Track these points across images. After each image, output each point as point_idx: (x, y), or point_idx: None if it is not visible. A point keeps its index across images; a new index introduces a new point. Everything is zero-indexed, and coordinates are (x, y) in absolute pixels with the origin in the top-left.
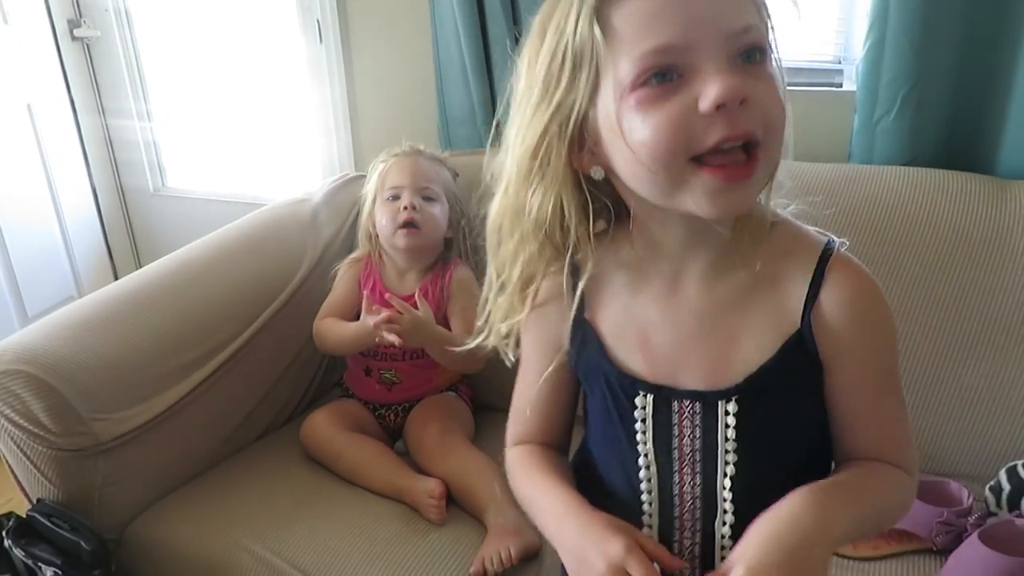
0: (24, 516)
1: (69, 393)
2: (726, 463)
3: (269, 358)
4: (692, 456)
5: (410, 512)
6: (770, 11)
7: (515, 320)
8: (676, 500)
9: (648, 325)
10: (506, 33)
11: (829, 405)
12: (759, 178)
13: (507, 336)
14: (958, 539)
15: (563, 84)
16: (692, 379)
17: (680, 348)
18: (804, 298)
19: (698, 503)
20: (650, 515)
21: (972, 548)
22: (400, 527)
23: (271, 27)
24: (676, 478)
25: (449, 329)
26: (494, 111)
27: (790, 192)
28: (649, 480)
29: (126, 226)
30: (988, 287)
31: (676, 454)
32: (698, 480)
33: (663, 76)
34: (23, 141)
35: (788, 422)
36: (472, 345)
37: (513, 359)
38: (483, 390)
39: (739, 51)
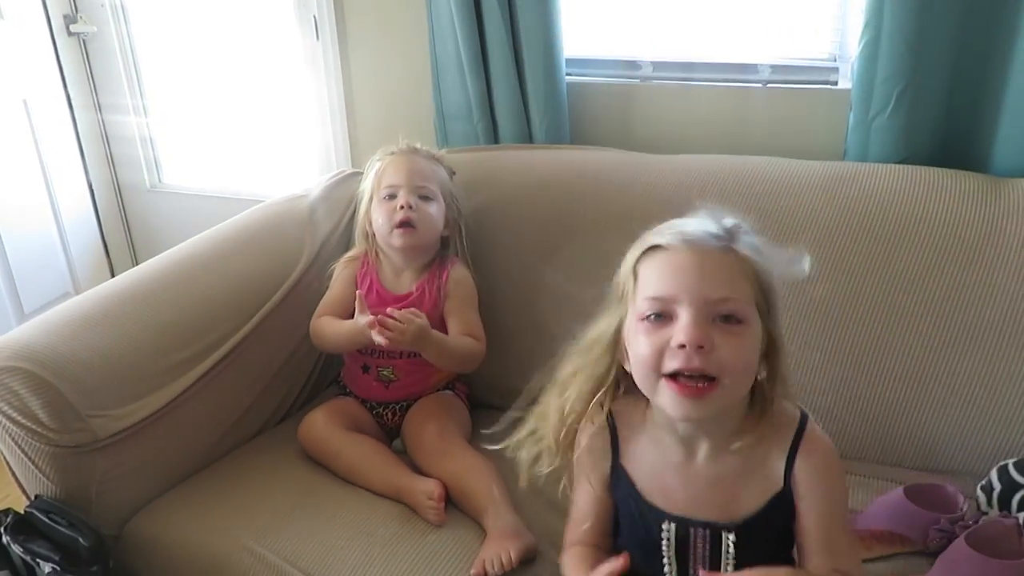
0: (22, 513)
1: (67, 390)
2: (727, 567)
3: (266, 354)
4: (704, 560)
5: (409, 512)
6: (772, 292)
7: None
8: None
9: (668, 484)
10: (503, 28)
11: (797, 536)
12: (715, 399)
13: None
14: (950, 541)
15: (614, 304)
16: (703, 517)
17: (692, 502)
18: (784, 466)
19: None
20: None
21: (958, 550)
22: (399, 527)
23: (268, 23)
24: (690, 572)
25: (446, 328)
26: (491, 107)
27: (786, 193)
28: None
29: (122, 222)
30: (981, 285)
31: (691, 558)
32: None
33: (659, 316)
34: (19, 137)
35: (772, 549)
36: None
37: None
38: (480, 388)
39: (716, 313)
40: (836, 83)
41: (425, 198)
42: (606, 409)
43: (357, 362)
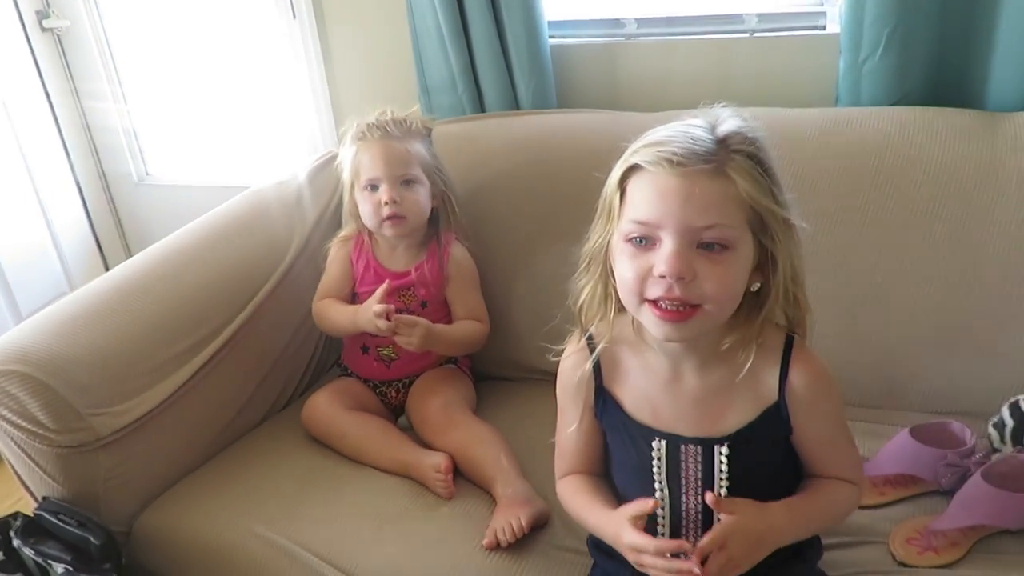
0: (31, 515)
1: (64, 390)
2: (721, 487)
3: (265, 341)
4: (695, 483)
5: (418, 487)
6: (769, 209)
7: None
8: (683, 516)
9: (656, 402)
10: None
11: (799, 448)
12: (697, 323)
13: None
14: (963, 479)
15: (602, 219)
16: (693, 434)
17: (681, 419)
18: (777, 380)
19: (699, 517)
20: (663, 527)
21: (975, 487)
22: (409, 503)
23: (243, 6)
24: (683, 499)
25: (449, 308)
26: (475, 76)
27: (779, 143)
28: (663, 501)
29: (113, 218)
30: (982, 221)
31: (683, 482)
32: (699, 500)
33: (641, 241)
34: (1, 139)
35: (765, 463)
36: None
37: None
38: (483, 360)
39: (700, 241)
40: (824, 28)
41: (408, 183)
42: (586, 335)
43: (356, 343)
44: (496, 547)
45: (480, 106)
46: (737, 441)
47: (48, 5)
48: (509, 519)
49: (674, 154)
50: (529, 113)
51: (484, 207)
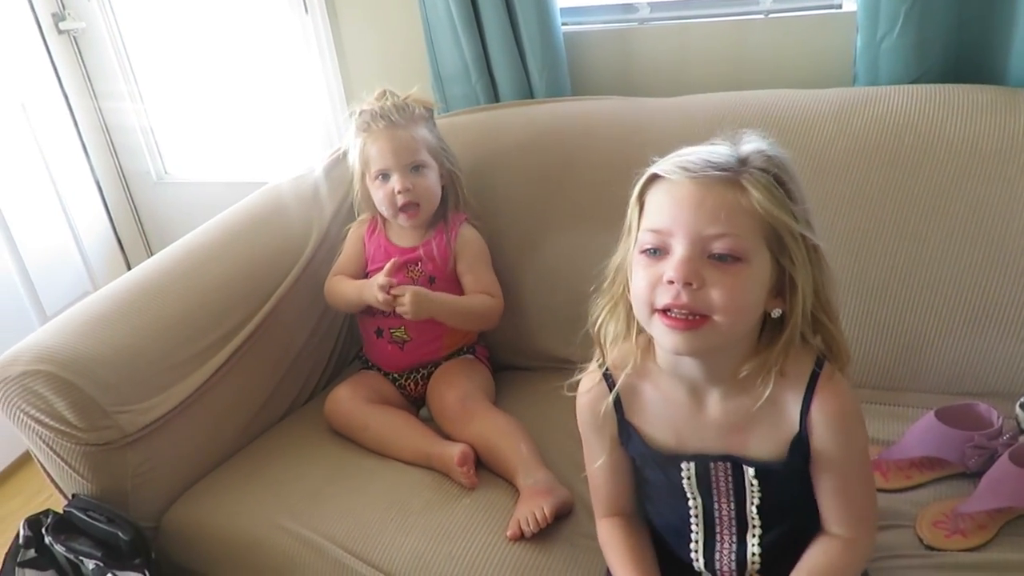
0: (61, 512)
1: (90, 388)
2: (753, 500)
3: (286, 336)
4: (727, 492)
5: (441, 478)
6: (787, 228)
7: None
8: (717, 521)
9: (680, 429)
10: None
11: (814, 482)
12: (706, 334)
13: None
14: (990, 461)
15: (624, 235)
16: (721, 452)
17: (707, 442)
18: (799, 411)
19: (733, 522)
20: (697, 532)
21: (1003, 468)
22: (432, 495)
23: (256, 3)
24: (715, 505)
25: (460, 289)
26: (488, 66)
27: (796, 125)
28: (696, 509)
29: (133, 217)
30: (1004, 199)
31: (715, 491)
32: (732, 506)
33: (655, 251)
34: (22, 142)
35: (796, 488)
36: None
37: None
38: (500, 350)
39: (710, 250)
40: (840, 6)
41: (418, 168)
42: (603, 369)
43: (370, 328)
44: (520, 537)
45: (494, 95)
46: (763, 470)
47: (64, 7)
48: (532, 509)
49: (691, 163)
50: (544, 102)
51: (500, 196)
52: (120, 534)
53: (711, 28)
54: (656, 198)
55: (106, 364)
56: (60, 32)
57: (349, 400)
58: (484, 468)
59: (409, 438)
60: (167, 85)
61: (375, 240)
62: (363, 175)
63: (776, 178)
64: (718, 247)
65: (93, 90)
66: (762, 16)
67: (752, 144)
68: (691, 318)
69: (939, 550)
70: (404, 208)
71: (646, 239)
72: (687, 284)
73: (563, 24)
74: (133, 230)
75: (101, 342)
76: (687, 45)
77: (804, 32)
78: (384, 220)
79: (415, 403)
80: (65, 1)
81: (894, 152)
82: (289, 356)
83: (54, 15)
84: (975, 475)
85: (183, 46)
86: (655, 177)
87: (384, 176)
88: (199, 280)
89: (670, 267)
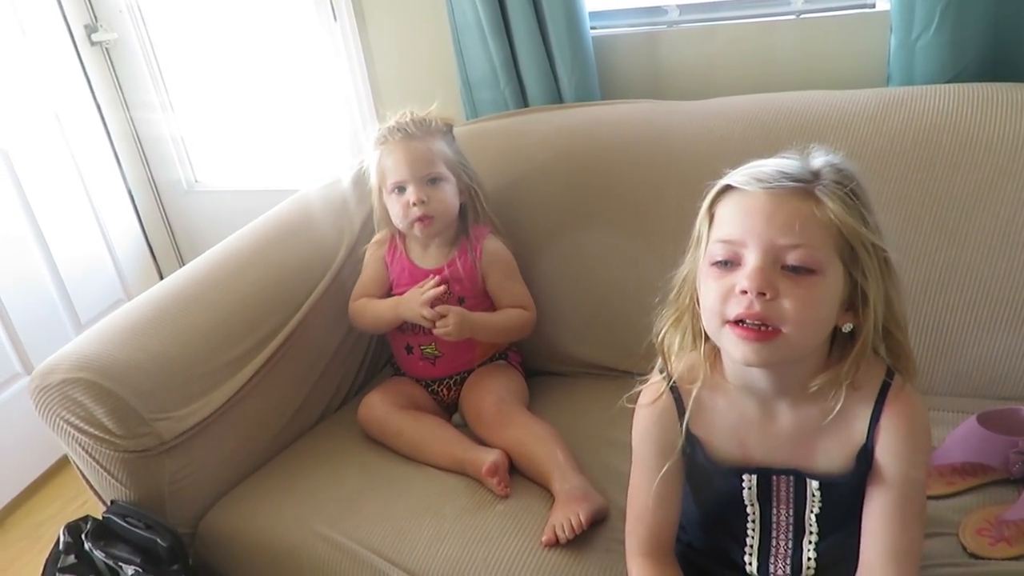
0: (100, 518)
1: (128, 396)
2: (813, 511)
3: (319, 342)
4: (787, 500)
5: (475, 485)
6: (862, 242)
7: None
8: (774, 526)
9: (746, 440)
10: None
11: (867, 501)
12: (778, 346)
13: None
14: None
15: (692, 247)
16: (785, 466)
17: (774, 455)
18: (868, 422)
19: (790, 529)
20: (752, 538)
21: None
22: (467, 501)
23: (284, 11)
24: (773, 512)
25: (491, 302)
26: (517, 71)
27: (830, 127)
28: (754, 515)
29: (165, 226)
30: None
31: (775, 499)
32: (790, 512)
33: (727, 263)
34: (55, 151)
35: (859, 499)
36: None
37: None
38: (533, 355)
39: (784, 261)
40: (874, 5)
41: (434, 181)
42: (669, 383)
43: (400, 344)
44: (555, 543)
45: (523, 100)
46: (828, 482)
47: (96, 19)
48: (568, 515)
49: (764, 174)
50: (573, 106)
51: (529, 201)
52: (158, 540)
53: (741, 30)
54: (727, 209)
55: (143, 372)
56: (93, 43)
57: (382, 406)
58: (518, 473)
59: (443, 444)
60: (197, 95)
61: (398, 262)
62: (380, 190)
63: (851, 191)
64: (792, 258)
65: (125, 100)
66: (793, 17)
67: (823, 157)
68: (763, 328)
69: (983, 558)
70: (419, 219)
71: (717, 250)
72: (760, 294)
73: (592, 28)
74: (164, 238)
75: (138, 350)
76: (717, 47)
77: (836, 32)
78: (405, 241)
79: (448, 408)
80: (97, 13)
81: (932, 152)
82: (321, 363)
83: (87, 27)
84: (1019, 481)
85: (213, 56)
86: (726, 189)
87: (400, 189)
88: (232, 289)
89: (743, 277)
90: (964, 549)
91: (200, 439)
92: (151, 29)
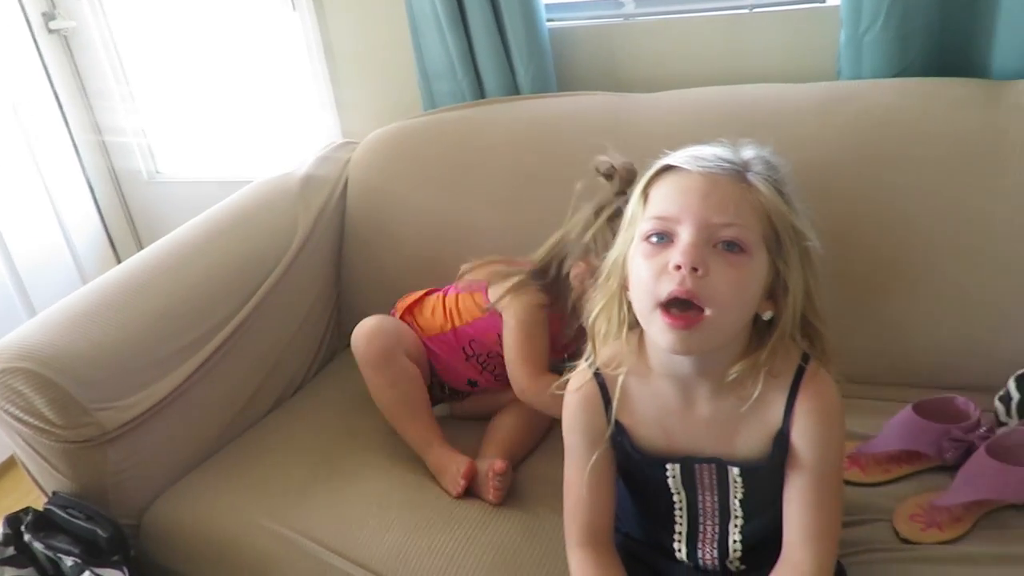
0: (41, 510)
1: (70, 385)
2: (736, 496)
3: (272, 332)
4: (711, 487)
5: (423, 479)
6: (786, 231)
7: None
8: (700, 512)
9: (670, 429)
10: None
11: (785, 485)
12: (703, 331)
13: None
14: (967, 454)
15: (624, 230)
16: (707, 455)
17: (695, 443)
18: (784, 405)
19: (716, 513)
20: (680, 524)
21: (980, 461)
22: (414, 494)
23: (243, 1)
24: (699, 498)
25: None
26: (474, 63)
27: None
28: (680, 502)
29: (125, 216)
30: (987, 193)
31: (699, 487)
32: (716, 499)
33: (660, 238)
34: (12, 142)
35: (779, 483)
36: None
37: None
38: None
39: (717, 239)
40: (824, 0)
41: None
42: (593, 367)
43: (460, 377)
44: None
45: (480, 92)
46: (748, 467)
47: (54, 6)
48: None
49: (702, 156)
50: (529, 98)
51: (485, 192)
52: (99, 531)
53: (697, 23)
54: (664, 188)
55: (87, 360)
56: (50, 31)
57: (395, 335)
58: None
59: (424, 426)
60: (158, 84)
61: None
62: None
63: (778, 180)
64: (726, 234)
65: (84, 89)
66: (747, 11)
67: (753, 149)
68: (688, 315)
69: (915, 543)
70: None
71: (650, 226)
72: (693, 270)
73: (548, 20)
74: (125, 229)
75: (83, 338)
76: (672, 40)
77: (788, 27)
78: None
79: (435, 400)
80: (55, 0)
81: (877, 145)
82: (274, 352)
83: (44, 14)
84: (952, 468)
85: (173, 45)
86: (662, 170)
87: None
88: (183, 276)
89: (677, 252)
90: (897, 535)
91: (145, 429)
92: (110, 17)
